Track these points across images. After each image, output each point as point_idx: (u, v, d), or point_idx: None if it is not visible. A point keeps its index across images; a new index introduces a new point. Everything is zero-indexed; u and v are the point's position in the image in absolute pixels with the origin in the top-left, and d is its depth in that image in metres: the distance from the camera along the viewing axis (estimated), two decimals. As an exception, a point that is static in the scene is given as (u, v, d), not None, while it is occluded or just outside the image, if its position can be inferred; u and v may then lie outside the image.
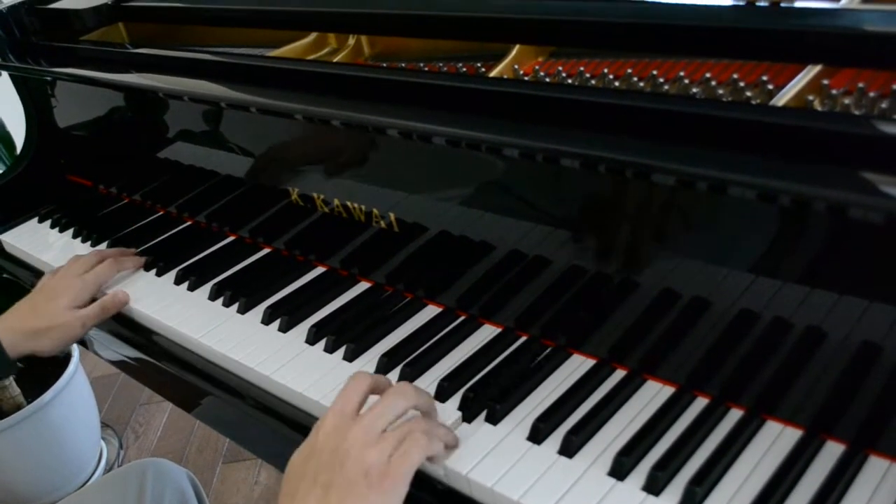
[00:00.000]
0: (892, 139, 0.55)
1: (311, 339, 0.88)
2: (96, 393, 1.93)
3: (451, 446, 0.70)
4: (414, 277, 0.92)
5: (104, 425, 2.02)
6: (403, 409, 0.69)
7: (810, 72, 0.69)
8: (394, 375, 0.80)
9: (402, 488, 0.63)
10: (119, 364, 1.07)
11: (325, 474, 0.64)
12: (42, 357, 1.01)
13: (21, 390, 1.67)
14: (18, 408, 1.66)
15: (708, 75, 0.76)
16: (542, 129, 0.70)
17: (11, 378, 1.63)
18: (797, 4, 0.70)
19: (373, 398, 0.70)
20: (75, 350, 1.78)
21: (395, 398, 0.69)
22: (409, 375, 0.80)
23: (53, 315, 0.99)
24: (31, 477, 1.76)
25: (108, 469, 1.92)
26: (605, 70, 0.82)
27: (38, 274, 1.20)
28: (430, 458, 0.68)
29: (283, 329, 0.91)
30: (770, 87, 0.72)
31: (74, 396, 1.78)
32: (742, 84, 0.74)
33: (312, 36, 1.09)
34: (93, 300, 1.02)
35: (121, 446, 2.03)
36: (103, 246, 1.17)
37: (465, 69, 0.93)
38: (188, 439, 2.02)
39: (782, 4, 0.70)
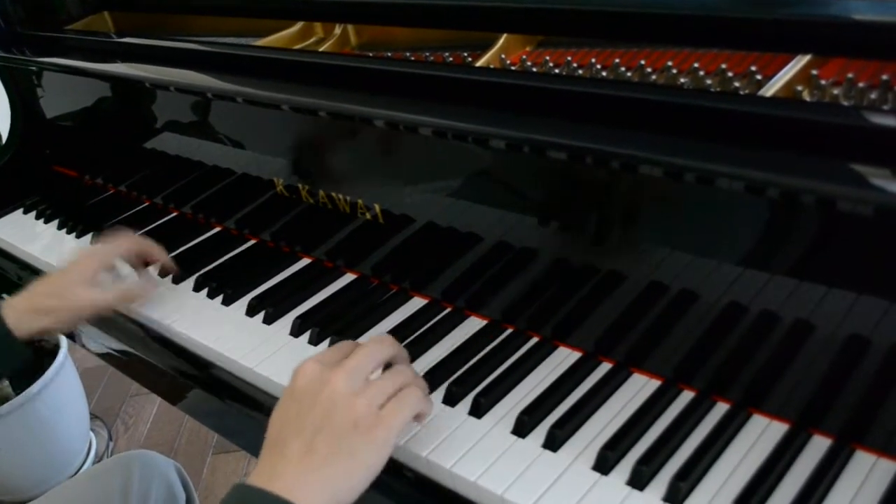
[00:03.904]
0: (881, 130, 0.54)
1: (296, 332, 0.87)
2: (85, 384, 1.92)
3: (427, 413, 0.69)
4: (400, 269, 0.91)
5: (93, 417, 2.02)
6: (384, 357, 0.68)
7: (799, 62, 0.68)
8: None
9: (393, 440, 0.62)
10: (105, 356, 1.06)
11: (311, 421, 0.62)
12: (52, 336, 0.95)
13: (9, 381, 1.66)
14: (6, 399, 1.65)
15: (696, 65, 0.75)
16: (529, 119, 0.70)
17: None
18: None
19: None
20: (64, 341, 1.76)
21: (376, 346, 0.68)
22: (394, 368, 0.79)
23: (60, 290, 0.93)
24: (19, 469, 1.75)
25: (98, 461, 1.91)
26: (593, 60, 0.81)
27: (23, 266, 1.19)
28: (415, 417, 0.67)
29: (268, 321, 0.90)
30: (759, 77, 0.71)
31: (63, 388, 1.77)
32: (731, 74, 0.73)
33: (299, 25, 1.08)
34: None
35: (110, 438, 2.02)
36: (88, 237, 1.16)
37: (452, 59, 0.92)
38: (178, 430, 2.01)
39: (771, -7, 0.69)
